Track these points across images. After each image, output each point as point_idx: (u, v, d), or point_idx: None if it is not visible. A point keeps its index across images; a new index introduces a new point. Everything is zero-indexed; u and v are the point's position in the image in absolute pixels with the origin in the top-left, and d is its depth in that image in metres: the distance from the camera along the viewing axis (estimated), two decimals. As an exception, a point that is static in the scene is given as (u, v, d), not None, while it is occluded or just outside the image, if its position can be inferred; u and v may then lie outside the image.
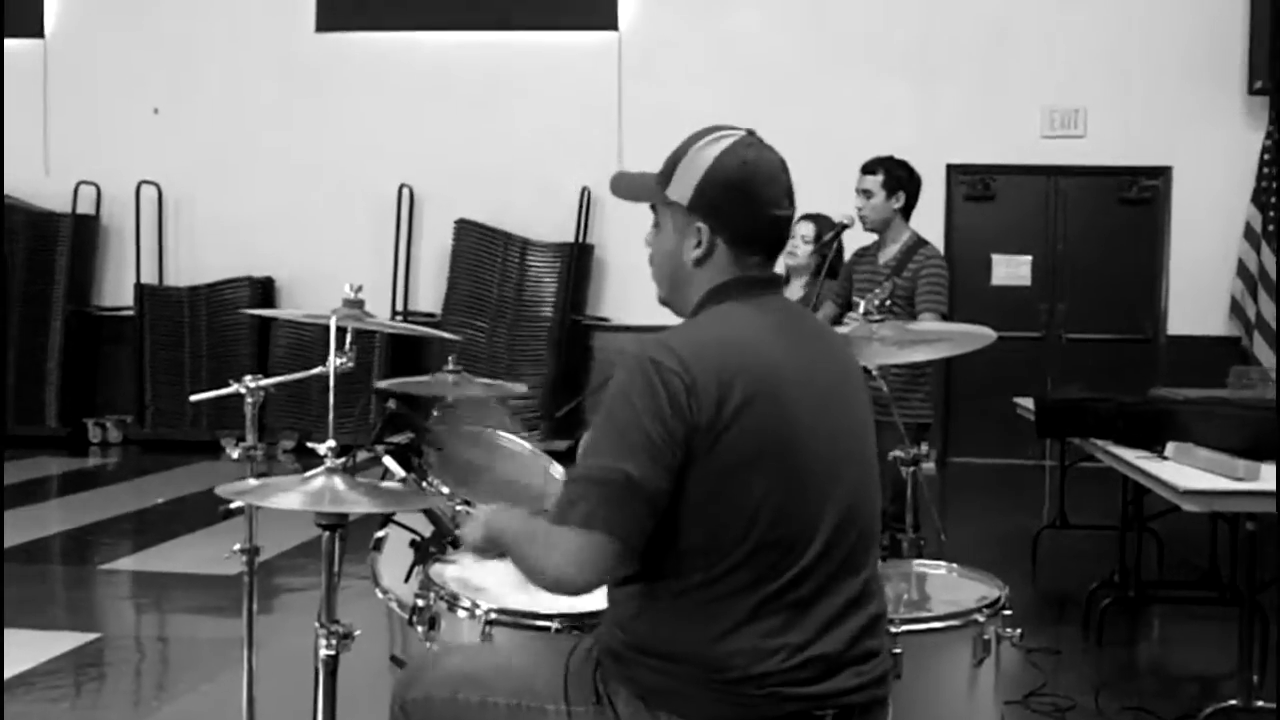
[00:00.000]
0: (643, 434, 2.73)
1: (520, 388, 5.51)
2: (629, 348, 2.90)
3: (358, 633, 3.37)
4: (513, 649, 3.29)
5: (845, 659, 2.85)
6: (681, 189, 2.98)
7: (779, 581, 2.80)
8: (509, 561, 3.01)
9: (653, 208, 3.10)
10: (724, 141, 2.98)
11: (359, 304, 4.17)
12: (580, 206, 14.23)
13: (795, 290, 7.43)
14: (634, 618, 2.88)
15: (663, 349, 2.81)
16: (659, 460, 2.73)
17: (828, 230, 7.28)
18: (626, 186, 3.19)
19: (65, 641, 7.06)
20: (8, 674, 6.25)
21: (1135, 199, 14.10)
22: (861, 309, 4.96)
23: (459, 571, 3.87)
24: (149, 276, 15.04)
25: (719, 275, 2.98)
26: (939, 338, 5.14)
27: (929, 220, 9.11)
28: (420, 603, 3.68)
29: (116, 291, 15.31)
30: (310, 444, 3.51)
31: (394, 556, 4.26)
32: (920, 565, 4.36)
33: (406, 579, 4.03)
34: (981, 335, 4.92)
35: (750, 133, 3.03)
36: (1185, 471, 5.61)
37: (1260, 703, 5.66)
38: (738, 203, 2.95)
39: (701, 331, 2.93)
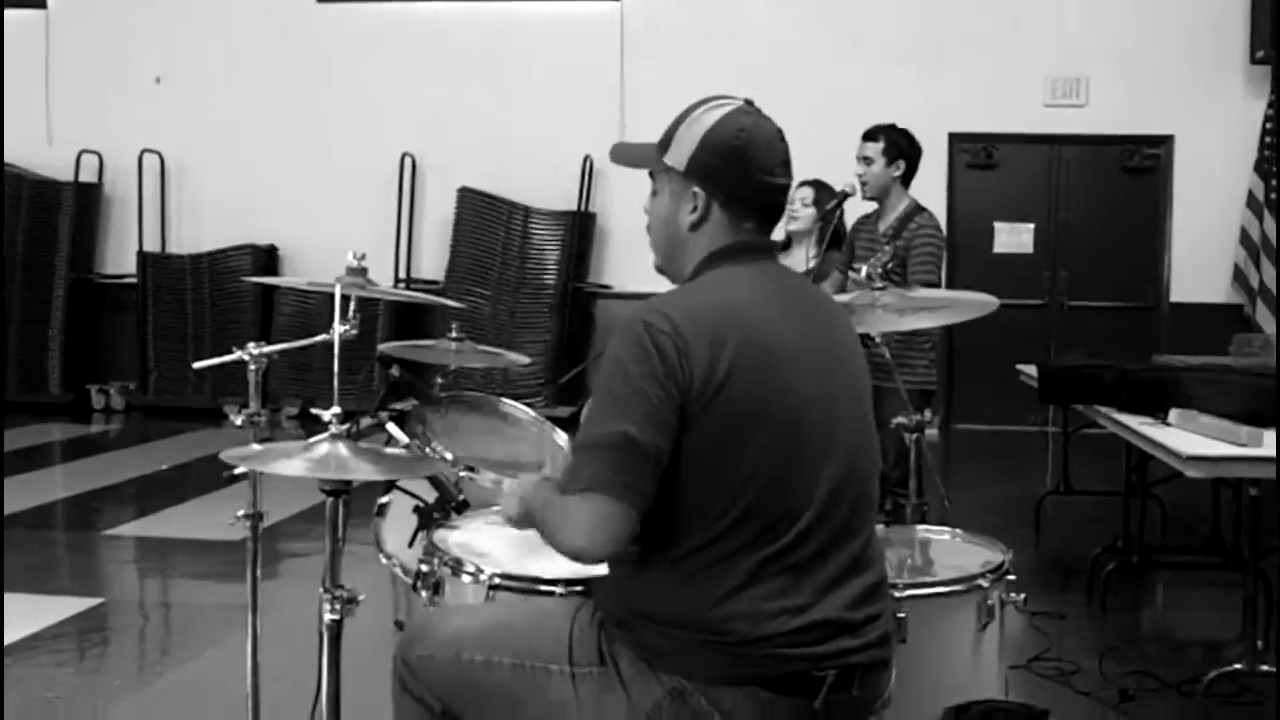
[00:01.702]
0: (639, 395, 2.75)
1: (523, 358, 5.50)
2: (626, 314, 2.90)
3: (362, 598, 3.38)
4: (519, 610, 3.29)
5: (846, 622, 2.86)
6: (678, 154, 3.00)
7: (776, 544, 2.81)
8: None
9: (651, 174, 3.12)
10: (722, 109, 3.00)
11: (362, 271, 4.17)
12: (582, 175, 14.22)
13: (798, 255, 7.43)
14: (633, 583, 2.89)
15: (655, 312, 2.82)
16: (657, 420, 2.74)
17: (827, 195, 7.31)
18: (625, 154, 3.23)
19: (69, 606, 7.08)
20: (12, 638, 6.27)
21: (1138, 168, 14.09)
22: (864, 273, 4.96)
23: (462, 536, 3.88)
24: (152, 244, 15.06)
25: (715, 240, 2.99)
26: (942, 305, 5.13)
27: (931, 188, 9.12)
28: (424, 568, 3.68)
29: (119, 259, 15.32)
30: (314, 410, 3.51)
31: (398, 522, 4.27)
32: (924, 530, 4.36)
33: (410, 544, 4.05)
34: (984, 302, 4.91)
35: (748, 102, 3.05)
36: (1188, 437, 5.61)
37: (1264, 667, 5.67)
38: (733, 168, 2.96)
39: (695, 295, 2.94)
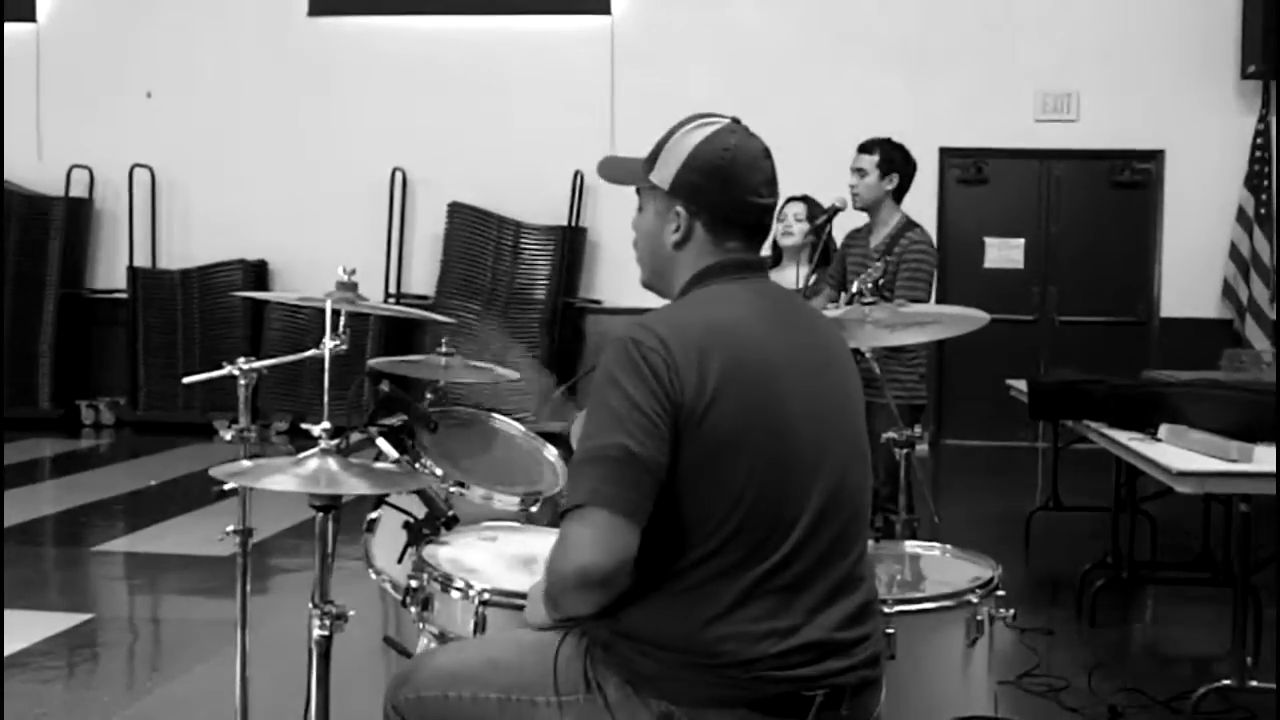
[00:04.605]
0: (634, 409, 2.72)
1: (513, 374, 5.50)
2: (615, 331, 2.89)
3: (351, 614, 3.37)
4: (503, 643, 3.27)
5: (835, 643, 2.84)
6: (664, 173, 3.00)
7: (766, 564, 2.79)
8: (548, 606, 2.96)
9: (638, 191, 3.12)
10: (708, 128, 3.00)
11: (352, 287, 4.17)
12: (573, 190, 14.22)
13: (790, 271, 7.42)
14: (622, 605, 2.85)
15: (643, 329, 2.81)
16: (653, 434, 2.72)
17: (818, 211, 7.30)
18: (613, 170, 3.22)
19: (58, 622, 7.06)
20: (1, 655, 6.26)
21: (1128, 182, 14.11)
22: (855, 288, 4.97)
23: (452, 552, 3.87)
24: (142, 259, 15.05)
25: (701, 259, 2.99)
26: (932, 320, 5.13)
27: (922, 204, 9.12)
28: (413, 584, 3.67)
29: (109, 274, 15.31)
30: (304, 425, 3.50)
31: (387, 538, 4.26)
32: (913, 546, 4.35)
33: (400, 560, 4.04)
34: (974, 318, 4.92)
35: (735, 121, 3.05)
36: (1178, 453, 5.62)
37: (1253, 683, 5.67)
38: (717, 187, 2.96)
39: (683, 312, 2.94)
